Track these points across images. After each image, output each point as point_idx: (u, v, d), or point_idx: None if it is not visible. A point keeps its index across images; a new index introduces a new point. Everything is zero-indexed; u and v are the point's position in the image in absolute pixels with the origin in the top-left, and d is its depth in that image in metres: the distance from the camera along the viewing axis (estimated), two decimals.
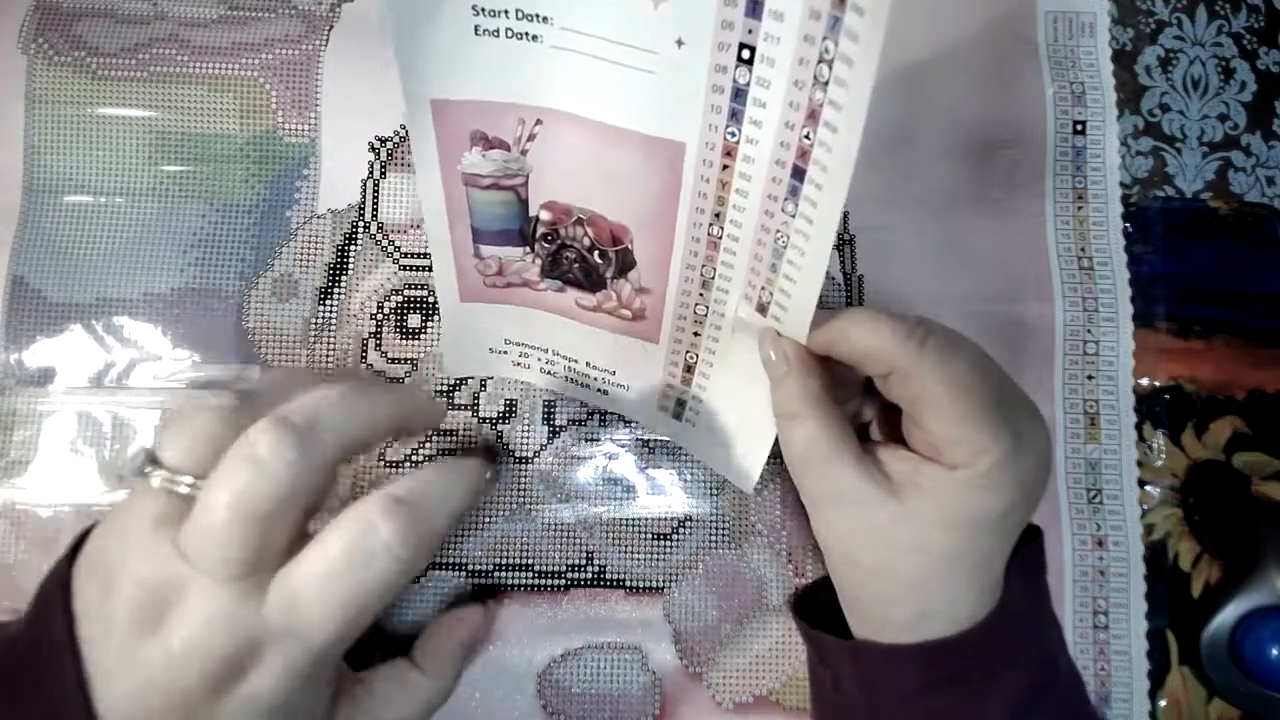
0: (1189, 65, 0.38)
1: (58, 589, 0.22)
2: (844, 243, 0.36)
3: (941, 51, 0.37)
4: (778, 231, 0.25)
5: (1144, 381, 0.36)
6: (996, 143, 0.37)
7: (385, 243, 0.36)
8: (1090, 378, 0.35)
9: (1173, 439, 0.35)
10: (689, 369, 0.31)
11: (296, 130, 0.36)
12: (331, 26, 0.37)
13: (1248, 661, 0.32)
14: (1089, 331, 0.36)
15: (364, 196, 0.36)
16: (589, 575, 0.34)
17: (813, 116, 0.22)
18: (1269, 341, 0.36)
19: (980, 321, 0.35)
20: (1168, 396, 0.36)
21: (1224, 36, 0.38)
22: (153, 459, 0.23)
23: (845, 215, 0.36)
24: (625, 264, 0.29)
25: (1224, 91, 0.38)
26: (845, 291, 0.36)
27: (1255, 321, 0.36)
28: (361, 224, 0.36)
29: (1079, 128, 0.37)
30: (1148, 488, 0.35)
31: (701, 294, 0.29)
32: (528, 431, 0.35)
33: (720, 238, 0.27)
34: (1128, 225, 0.37)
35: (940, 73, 0.37)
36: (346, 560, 0.21)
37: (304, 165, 0.36)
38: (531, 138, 0.26)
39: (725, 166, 0.25)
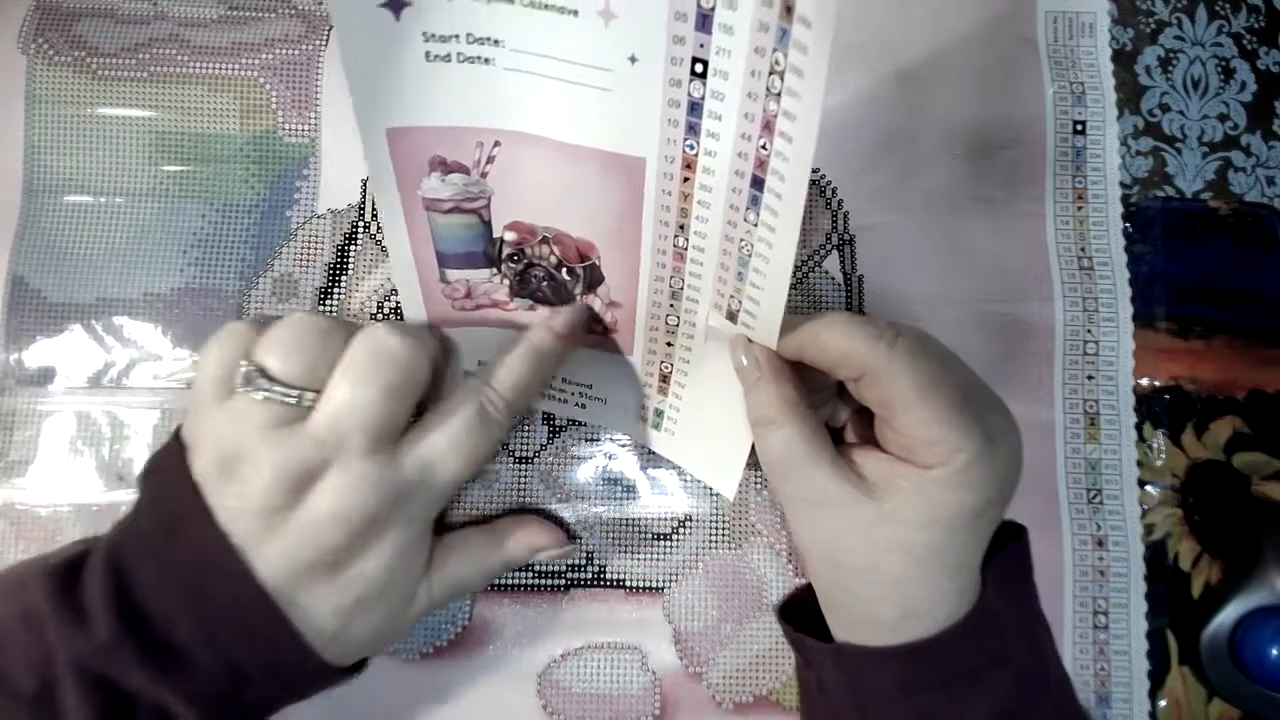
0: (1189, 65, 0.38)
1: (182, 478, 0.25)
2: (844, 243, 0.36)
3: (942, 51, 0.37)
4: (742, 240, 0.25)
5: (1144, 381, 0.36)
6: (996, 143, 0.37)
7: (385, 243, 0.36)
8: (1090, 378, 0.35)
9: (1173, 439, 0.35)
10: (665, 379, 0.31)
11: (296, 130, 0.36)
12: (331, 26, 0.37)
13: (1248, 661, 0.32)
14: (1089, 331, 0.36)
15: (364, 196, 0.36)
16: (589, 575, 0.34)
17: (768, 127, 0.22)
18: (1269, 341, 0.36)
19: (980, 321, 0.35)
20: (1168, 396, 0.36)
21: (1224, 36, 0.38)
22: (262, 372, 0.25)
23: (845, 215, 0.36)
24: (594, 279, 0.29)
25: (1224, 91, 0.38)
26: (845, 291, 0.36)
27: (1255, 321, 0.36)
28: (361, 224, 0.36)
29: (1079, 128, 0.37)
30: (1148, 488, 0.35)
31: (672, 305, 0.29)
32: (528, 431, 0.35)
33: (686, 249, 0.27)
34: (1128, 225, 0.37)
35: (940, 73, 0.37)
36: (468, 426, 0.26)
37: (304, 165, 0.36)
38: (491, 160, 0.27)
39: (686, 179, 0.25)
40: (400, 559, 0.27)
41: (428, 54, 0.24)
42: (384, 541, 0.26)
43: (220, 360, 0.25)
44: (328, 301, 0.35)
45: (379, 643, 0.28)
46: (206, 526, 0.24)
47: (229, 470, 0.25)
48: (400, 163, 0.27)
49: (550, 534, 0.32)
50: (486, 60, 0.24)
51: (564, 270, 0.29)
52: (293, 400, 0.25)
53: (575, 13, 0.22)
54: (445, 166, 0.27)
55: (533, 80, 0.24)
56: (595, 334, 0.31)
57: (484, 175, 0.27)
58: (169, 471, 0.25)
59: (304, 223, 0.36)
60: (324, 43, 0.37)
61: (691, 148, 0.24)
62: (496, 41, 0.23)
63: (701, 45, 0.22)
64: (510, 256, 0.30)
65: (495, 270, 0.30)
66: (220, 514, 0.24)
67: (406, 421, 0.26)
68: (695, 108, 0.23)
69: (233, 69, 0.36)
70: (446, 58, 0.24)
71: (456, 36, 0.23)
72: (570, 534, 0.34)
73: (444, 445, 0.26)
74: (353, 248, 0.36)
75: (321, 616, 0.25)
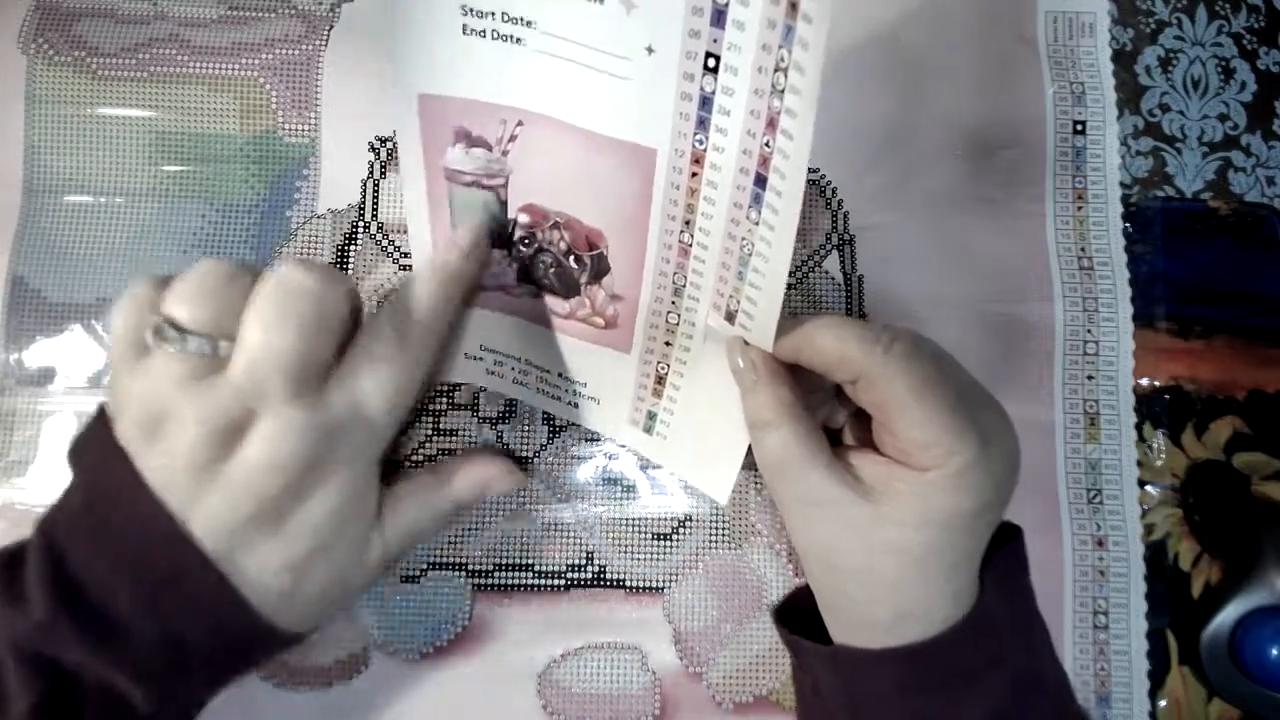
0: (1189, 65, 0.38)
1: (108, 446, 0.24)
2: (844, 243, 0.36)
3: (942, 51, 0.37)
4: (743, 239, 0.25)
5: (1144, 381, 0.36)
6: (996, 143, 0.37)
7: (385, 243, 0.36)
8: (1090, 378, 0.35)
9: (1173, 439, 0.35)
10: (660, 380, 0.31)
11: (296, 130, 0.36)
12: (331, 26, 0.37)
13: (1248, 661, 0.32)
14: (1089, 331, 0.36)
15: (364, 196, 0.36)
16: (589, 575, 0.34)
17: (772, 124, 0.22)
18: (1269, 341, 0.36)
19: (980, 321, 0.35)
20: (1168, 396, 0.36)
21: (1224, 36, 0.38)
22: (172, 324, 0.24)
23: (845, 215, 0.36)
24: (600, 269, 0.29)
25: (1224, 91, 0.38)
26: (845, 291, 0.36)
27: (1255, 321, 0.36)
28: (361, 224, 0.36)
29: (1079, 128, 0.37)
30: (1148, 488, 0.35)
31: (674, 302, 0.29)
32: (528, 431, 0.35)
33: (690, 245, 0.27)
34: (1128, 225, 0.37)
35: (940, 72, 0.37)
36: (388, 355, 0.26)
37: (304, 165, 0.36)
38: (513, 139, 0.27)
39: (694, 174, 0.25)
40: (346, 502, 0.26)
41: (464, 27, 0.24)
42: (327, 485, 0.25)
43: (128, 322, 0.24)
44: None
45: (336, 597, 0.28)
46: (137, 491, 0.24)
47: (154, 431, 0.24)
48: (427, 130, 0.27)
49: (498, 466, 0.31)
50: (518, 40, 0.24)
51: (572, 258, 0.29)
52: (208, 350, 0.24)
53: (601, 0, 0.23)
54: (470, 139, 0.27)
55: (558, 64, 0.24)
56: (595, 327, 0.31)
57: (505, 153, 0.27)
58: (94, 443, 0.25)
59: (304, 223, 0.36)
60: (324, 43, 0.37)
61: (700, 142, 0.24)
62: (529, 23, 0.24)
63: (715, 40, 0.22)
64: (522, 239, 0.30)
65: (505, 253, 0.30)
66: (150, 476, 0.24)
67: (331, 360, 0.25)
68: (706, 102, 0.23)
69: (233, 69, 0.36)
70: (482, 33, 0.24)
71: (493, 14, 0.24)
72: (522, 466, 0.33)
73: (367, 378, 0.26)
74: (353, 248, 0.36)
75: (269, 574, 0.25)
